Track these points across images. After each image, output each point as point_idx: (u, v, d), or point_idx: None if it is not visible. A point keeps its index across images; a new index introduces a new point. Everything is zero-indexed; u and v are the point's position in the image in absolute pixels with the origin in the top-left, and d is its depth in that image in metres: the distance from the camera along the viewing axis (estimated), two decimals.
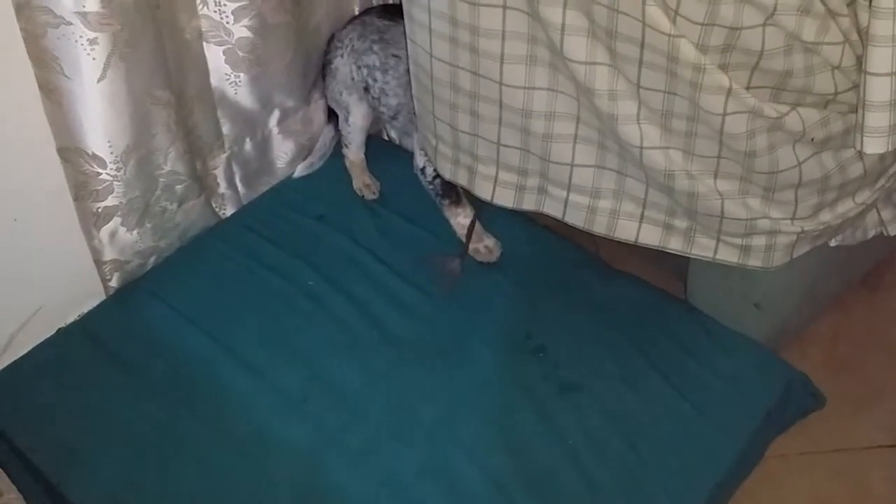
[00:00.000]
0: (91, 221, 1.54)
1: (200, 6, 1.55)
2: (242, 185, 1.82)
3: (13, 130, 1.39)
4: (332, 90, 1.81)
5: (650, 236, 1.42)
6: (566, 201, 1.44)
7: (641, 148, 1.29)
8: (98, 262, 1.60)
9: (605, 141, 1.34)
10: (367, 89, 1.75)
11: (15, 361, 1.52)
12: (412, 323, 1.55)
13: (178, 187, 1.63)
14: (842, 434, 1.63)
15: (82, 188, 1.50)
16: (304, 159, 1.87)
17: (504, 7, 1.25)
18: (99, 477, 1.36)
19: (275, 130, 1.82)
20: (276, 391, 1.45)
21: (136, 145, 1.50)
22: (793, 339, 1.69)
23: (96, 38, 1.34)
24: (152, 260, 1.67)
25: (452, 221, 1.68)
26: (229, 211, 1.81)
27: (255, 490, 1.34)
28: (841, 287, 1.77)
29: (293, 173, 1.86)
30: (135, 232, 1.60)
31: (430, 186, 1.68)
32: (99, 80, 1.38)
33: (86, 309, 1.60)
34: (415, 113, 1.58)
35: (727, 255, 1.40)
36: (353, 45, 1.75)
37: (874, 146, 1.18)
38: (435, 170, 1.60)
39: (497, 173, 1.47)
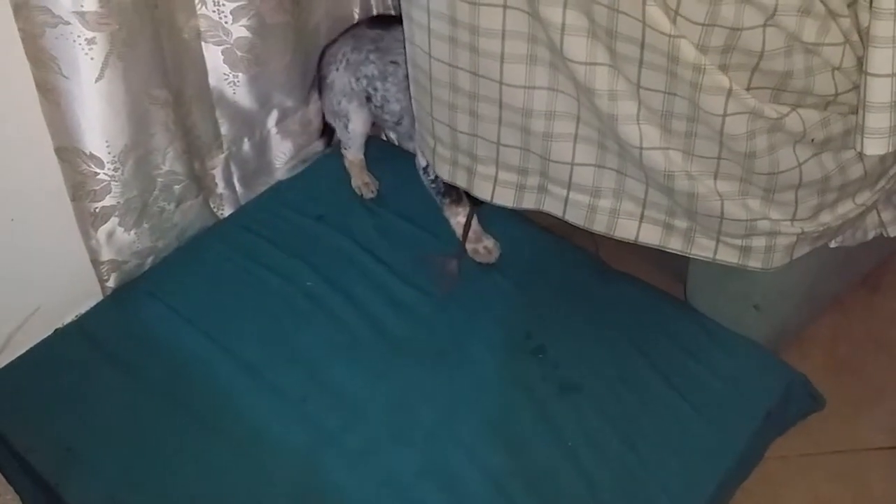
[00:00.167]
0: (88, 221, 1.54)
1: (199, 6, 1.55)
2: (240, 186, 1.82)
3: (11, 130, 1.39)
4: (329, 102, 1.81)
5: (650, 236, 1.42)
6: (566, 200, 1.44)
7: (641, 148, 1.28)
8: (95, 263, 1.60)
9: (605, 140, 1.34)
10: (368, 99, 1.75)
11: (12, 362, 1.51)
12: (411, 323, 1.55)
13: (176, 187, 1.62)
14: (842, 435, 1.63)
15: (80, 188, 1.49)
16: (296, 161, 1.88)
17: (504, 7, 1.25)
18: (96, 477, 1.36)
19: (273, 131, 1.82)
20: (274, 391, 1.44)
21: (133, 145, 1.50)
22: (792, 340, 1.68)
23: (94, 37, 1.34)
24: (150, 260, 1.67)
25: (452, 221, 1.68)
26: (227, 211, 1.81)
27: (253, 490, 1.33)
28: (841, 288, 1.76)
29: (290, 174, 1.85)
30: (132, 232, 1.60)
31: (432, 185, 1.68)
32: (97, 80, 1.38)
33: (83, 309, 1.60)
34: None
35: (727, 256, 1.40)
36: (348, 59, 1.75)
37: (874, 147, 1.18)
38: None
39: (497, 173, 1.47)
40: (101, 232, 1.56)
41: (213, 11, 1.56)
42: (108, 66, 1.38)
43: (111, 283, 1.63)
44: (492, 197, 1.50)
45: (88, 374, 1.49)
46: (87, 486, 1.35)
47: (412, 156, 1.73)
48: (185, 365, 1.49)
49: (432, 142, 1.52)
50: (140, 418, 1.42)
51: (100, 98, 1.40)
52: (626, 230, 1.42)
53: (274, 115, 1.80)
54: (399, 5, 1.53)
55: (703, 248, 1.41)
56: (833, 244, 1.48)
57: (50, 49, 1.33)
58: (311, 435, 1.39)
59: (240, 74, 1.67)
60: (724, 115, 1.19)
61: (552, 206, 1.46)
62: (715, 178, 1.30)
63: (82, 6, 1.30)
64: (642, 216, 1.41)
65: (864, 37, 1.15)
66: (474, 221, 1.66)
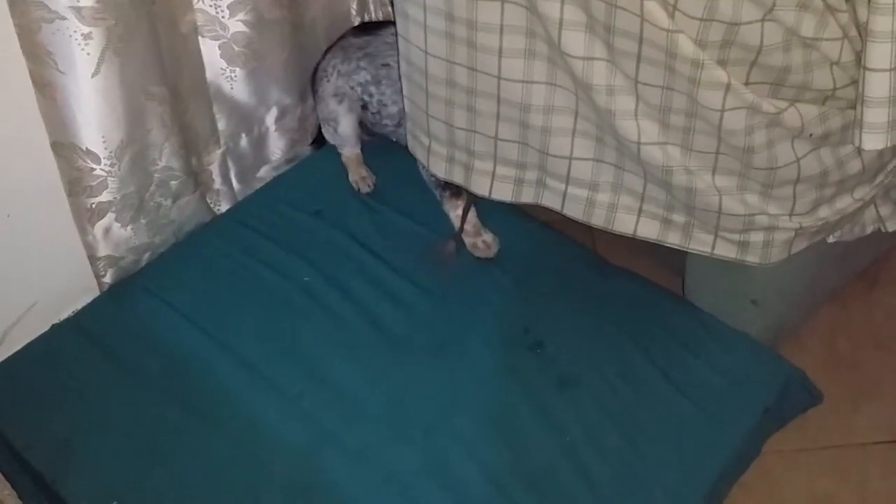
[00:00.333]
0: (85, 217, 1.53)
1: (195, 0, 1.54)
2: (238, 181, 1.82)
3: (7, 125, 1.38)
4: (322, 110, 1.82)
5: (648, 230, 1.42)
6: (564, 194, 1.44)
7: (639, 143, 1.28)
8: (92, 258, 1.59)
9: (603, 135, 1.34)
10: (364, 107, 1.75)
11: (9, 357, 1.51)
12: (409, 318, 1.54)
13: (173, 183, 1.62)
14: (839, 430, 1.63)
15: (76, 184, 1.49)
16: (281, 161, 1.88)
17: (502, 1, 1.25)
18: (94, 473, 1.35)
19: (272, 128, 1.82)
20: (271, 387, 1.44)
21: (130, 141, 1.49)
22: (791, 336, 1.68)
23: (90, 32, 1.33)
24: (146, 256, 1.66)
25: (451, 214, 1.68)
26: (224, 207, 1.81)
27: (251, 486, 1.33)
28: (839, 283, 1.76)
29: (288, 169, 1.85)
30: (129, 228, 1.60)
31: (431, 178, 1.68)
32: (93, 75, 1.38)
33: (80, 305, 1.60)
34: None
35: (725, 251, 1.40)
36: (338, 70, 1.76)
37: (873, 142, 1.18)
38: None
39: (494, 168, 1.47)
40: (98, 227, 1.56)
41: (210, 6, 1.56)
42: (105, 62, 1.38)
43: (108, 279, 1.62)
44: (490, 192, 1.49)
45: (85, 369, 1.48)
46: (84, 482, 1.34)
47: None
48: (182, 360, 1.48)
49: (427, 140, 1.51)
50: (137, 414, 1.42)
51: (96, 93, 1.40)
52: (625, 224, 1.42)
53: (273, 113, 1.80)
54: (392, 2, 1.53)
55: (701, 243, 1.41)
56: (831, 239, 1.48)
57: (46, 44, 1.32)
58: (309, 431, 1.39)
59: (237, 69, 1.66)
60: (723, 110, 1.19)
61: (550, 201, 1.46)
62: (713, 172, 1.30)
63: (78, 1, 1.30)
64: (640, 210, 1.41)
65: (863, 31, 1.14)
66: (473, 215, 1.66)
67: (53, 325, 1.57)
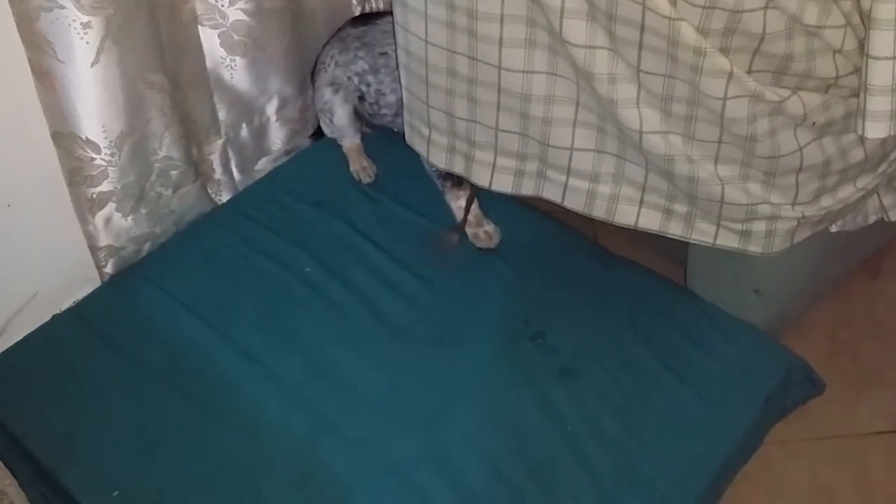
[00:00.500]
0: (86, 207, 1.53)
1: None
2: (238, 171, 1.81)
3: (7, 115, 1.38)
4: (318, 101, 1.82)
5: (650, 221, 1.41)
6: (565, 185, 1.43)
7: (641, 132, 1.28)
8: (93, 249, 1.59)
9: (604, 125, 1.33)
10: (362, 98, 1.75)
11: (10, 347, 1.51)
12: (410, 309, 1.54)
13: (174, 173, 1.62)
14: (841, 420, 1.63)
15: (76, 174, 1.49)
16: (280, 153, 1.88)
17: None
18: (94, 463, 1.35)
19: (273, 118, 1.81)
20: (272, 378, 1.44)
21: (130, 130, 1.49)
22: (793, 325, 1.68)
23: (90, 21, 1.33)
24: (147, 246, 1.66)
25: (453, 205, 1.67)
26: (225, 197, 1.80)
27: (251, 476, 1.33)
28: (841, 273, 1.76)
29: (289, 160, 1.85)
30: (130, 218, 1.59)
31: (433, 168, 1.67)
32: (92, 65, 1.37)
33: (81, 295, 1.60)
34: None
35: (727, 241, 1.39)
36: (336, 61, 1.76)
37: (875, 130, 1.18)
38: None
39: (495, 159, 1.46)
40: (99, 217, 1.55)
41: None
42: (104, 51, 1.37)
43: (109, 269, 1.62)
44: (490, 183, 1.49)
45: (86, 359, 1.48)
46: (85, 471, 1.34)
47: None
48: (183, 350, 1.48)
49: (427, 130, 1.51)
50: (138, 404, 1.42)
51: (95, 82, 1.40)
52: (626, 216, 1.42)
53: (274, 103, 1.80)
54: None
55: (703, 233, 1.40)
56: (834, 228, 1.47)
57: (45, 33, 1.32)
58: (309, 421, 1.39)
59: (237, 58, 1.66)
60: (725, 98, 1.19)
61: (551, 193, 1.46)
62: (715, 162, 1.30)
63: None
64: (642, 201, 1.40)
65: (866, 19, 1.14)
66: (475, 206, 1.66)
67: (54, 316, 1.57)
